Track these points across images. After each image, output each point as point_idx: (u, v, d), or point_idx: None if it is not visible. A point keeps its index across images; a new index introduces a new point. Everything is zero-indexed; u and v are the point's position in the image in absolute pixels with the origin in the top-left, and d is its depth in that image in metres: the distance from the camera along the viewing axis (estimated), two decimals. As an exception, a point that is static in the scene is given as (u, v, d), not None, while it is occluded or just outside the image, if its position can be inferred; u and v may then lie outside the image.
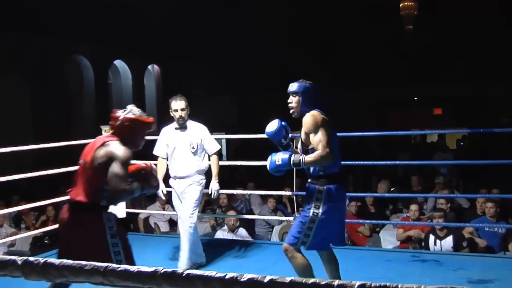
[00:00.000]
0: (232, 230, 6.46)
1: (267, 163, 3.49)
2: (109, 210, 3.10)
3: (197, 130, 4.77)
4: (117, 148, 3.01)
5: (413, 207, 6.31)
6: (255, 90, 17.49)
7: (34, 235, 6.71)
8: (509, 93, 16.85)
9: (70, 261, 1.36)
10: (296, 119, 3.57)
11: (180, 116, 4.67)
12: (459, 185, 9.42)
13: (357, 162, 6.20)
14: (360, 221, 6.62)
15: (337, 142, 3.52)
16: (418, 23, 14.62)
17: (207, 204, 8.53)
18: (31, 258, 1.37)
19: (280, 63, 16.89)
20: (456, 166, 10.03)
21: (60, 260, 1.36)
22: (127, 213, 6.26)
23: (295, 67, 17.04)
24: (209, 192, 4.90)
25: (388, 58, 17.45)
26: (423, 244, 5.96)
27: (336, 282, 1.19)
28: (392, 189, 8.03)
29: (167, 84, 17.62)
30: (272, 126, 3.55)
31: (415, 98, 20.17)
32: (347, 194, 7.55)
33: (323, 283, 1.20)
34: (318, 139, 3.32)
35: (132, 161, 3.21)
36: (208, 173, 4.89)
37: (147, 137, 3.29)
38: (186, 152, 4.69)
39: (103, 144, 3.03)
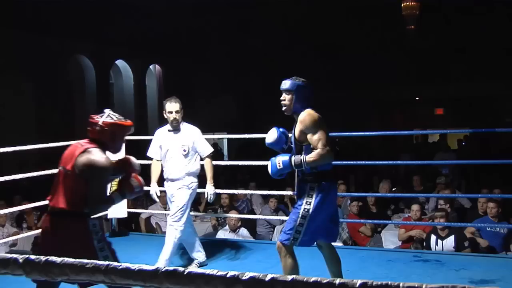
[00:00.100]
0: (234, 230, 6.46)
1: (268, 168, 3.50)
2: (97, 215, 3.10)
3: (190, 133, 4.75)
4: (99, 156, 3.00)
5: (415, 207, 6.31)
6: (258, 90, 17.49)
7: (36, 235, 6.72)
8: (512, 93, 16.85)
9: (71, 260, 1.36)
10: (288, 116, 3.58)
11: (174, 118, 4.66)
12: (461, 185, 9.42)
13: (358, 162, 6.22)
14: (362, 221, 6.62)
15: (329, 138, 3.53)
16: (420, 23, 14.60)
17: (208, 204, 8.53)
18: (33, 257, 1.37)
19: (282, 63, 16.92)
20: (458, 166, 10.03)
21: (61, 259, 1.36)
22: (129, 213, 6.27)
23: (297, 67, 17.04)
24: (205, 196, 4.88)
25: (390, 58, 17.41)
26: (424, 244, 5.95)
27: (337, 281, 1.19)
28: (393, 189, 8.03)
29: (169, 84, 17.63)
30: (272, 135, 3.55)
31: (417, 98, 20.14)
32: (349, 194, 7.65)
33: (324, 281, 1.20)
34: (317, 138, 3.33)
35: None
36: (203, 177, 4.87)
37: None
38: (178, 154, 4.67)
39: (84, 151, 3.00)
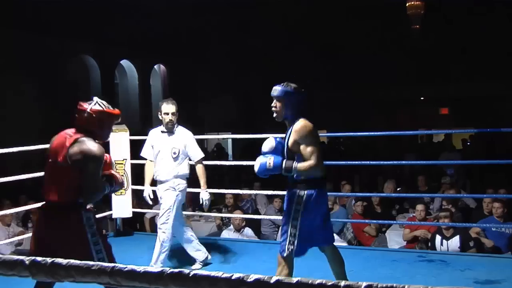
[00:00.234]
0: (238, 230, 6.46)
1: (255, 165, 3.46)
2: (87, 208, 3.08)
3: (182, 136, 4.73)
4: (92, 146, 2.98)
5: (419, 207, 6.29)
6: (258, 90, 17.48)
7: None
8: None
9: (77, 261, 1.36)
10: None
11: (170, 120, 4.64)
12: (466, 185, 9.39)
13: (363, 162, 6.22)
14: (366, 221, 6.61)
15: (320, 147, 3.51)
16: (424, 22, 14.58)
17: (212, 204, 8.54)
18: (39, 258, 1.38)
19: (282, 63, 16.96)
20: (463, 166, 10.00)
21: (67, 260, 1.36)
22: (133, 213, 6.28)
23: (297, 67, 17.08)
24: (200, 202, 4.86)
25: (395, 58, 17.39)
26: (429, 244, 5.94)
27: (342, 283, 1.19)
28: (398, 189, 8.01)
29: (173, 84, 17.67)
30: (269, 144, 3.52)
31: (422, 98, 20.11)
32: (354, 194, 7.64)
33: (329, 283, 1.20)
34: (311, 151, 3.33)
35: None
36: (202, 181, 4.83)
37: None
38: (168, 156, 4.65)
39: (75, 142, 2.98)
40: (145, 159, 4.89)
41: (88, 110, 3.04)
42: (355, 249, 5.84)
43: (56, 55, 13.55)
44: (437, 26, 16.61)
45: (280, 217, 6.86)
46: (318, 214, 3.45)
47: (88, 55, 15.20)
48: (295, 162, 3.37)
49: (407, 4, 14.00)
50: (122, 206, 6.10)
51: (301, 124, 3.39)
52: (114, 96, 16.24)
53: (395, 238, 6.56)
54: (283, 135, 3.56)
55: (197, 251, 4.88)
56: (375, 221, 6.54)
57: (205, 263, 4.89)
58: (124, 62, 16.67)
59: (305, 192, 3.38)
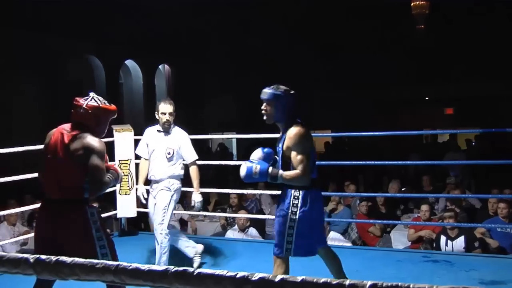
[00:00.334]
0: (243, 229, 6.46)
1: (242, 170, 3.44)
2: (91, 204, 3.09)
3: (178, 137, 4.71)
4: (93, 140, 2.99)
5: (424, 207, 6.28)
6: (258, 90, 17.43)
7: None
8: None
9: (81, 260, 1.36)
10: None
11: (167, 120, 4.63)
12: (471, 185, 9.36)
13: (368, 162, 6.20)
14: (371, 221, 6.61)
15: (314, 150, 3.51)
16: (429, 22, 14.54)
17: (217, 203, 8.55)
18: (43, 256, 1.38)
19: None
20: (468, 166, 9.97)
21: (71, 259, 1.36)
22: (138, 212, 6.29)
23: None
24: (192, 205, 4.82)
25: (399, 57, 17.36)
26: (434, 244, 5.93)
27: (347, 282, 1.19)
28: (403, 189, 8.00)
29: (178, 84, 17.68)
30: (257, 155, 3.51)
31: (426, 98, 20.07)
32: (358, 194, 7.63)
33: (334, 282, 1.19)
34: (300, 159, 3.32)
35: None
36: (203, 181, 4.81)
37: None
38: (162, 156, 4.64)
39: (74, 137, 2.98)
40: (140, 157, 4.88)
41: (84, 105, 3.05)
42: (359, 249, 5.83)
43: (62, 55, 13.58)
44: (446, 25, 16.59)
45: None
46: (314, 213, 3.46)
47: (92, 55, 15.23)
48: (280, 170, 3.39)
49: (411, 4, 13.96)
50: (126, 205, 6.10)
51: (294, 131, 3.37)
52: (118, 96, 16.26)
53: (399, 238, 6.55)
54: (269, 156, 3.56)
55: (187, 248, 4.85)
56: (379, 221, 6.53)
57: (199, 255, 4.85)
58: (129, 62, 16.69)
59: (300, 192, 3.38)
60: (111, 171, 3.15)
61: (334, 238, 6.24)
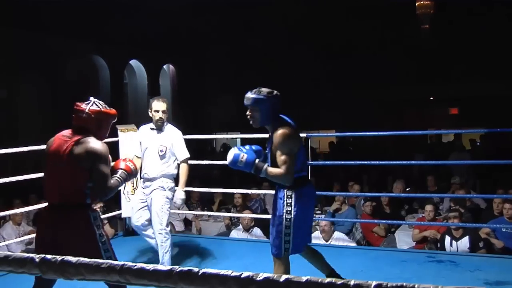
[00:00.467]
0: (247, 229, 6.46)
1: (229, 155, 3.46)
2: (94, 208, 3.09)
3: (171, 135, 4.70)
4: (97, 145, 3.00)
5: (429, 207, 6.27)
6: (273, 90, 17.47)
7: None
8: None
9: (87, 259, 1.37)
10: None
11: (160, 117, 4.62)
12: (476, 185, 9.34)
13: (372, 162, 6.19)
14: (375, 221, 6.60)
15: (302, 150, 3.52)
16: (434, 22, 14.50)
17: (221, 203, 8.55)
18: (49, 256, 1.39)
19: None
20: (472, 166, 9.94)
21: (77, 258, 1.37)
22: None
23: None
24: (173, 200, 4.78)
25: (404, 57, 17.32)
26: (439, 244, 5.91)
27: (352, 282, 1.19)
28: (407, 189, 7.99)
29: (182, 84, 17.70)
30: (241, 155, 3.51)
31: (431, 98, 20.02)
32: (363, 194, 7.62)
33: (339, 282, 1.19)
34: (283, 160, 3.34)
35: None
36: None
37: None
38: (154, 154, 4.63)
39: (77, 142, 2.98)
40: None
41: (87, 110, 3.06)
42: (364, 249, 5.82)
43: (66, 55, 13.62)
44: (450, 25, 16.55)
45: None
46: (307, 210, 3.49)
47: (97, 55, 15.26)
48: (267, 164, 3.42)
49: (416, 4, 13.93)
50: (131, 205, 6.11)
51: (279, 132, 3.39)
52: (123, 96, 16.30)
53: (404, 239, 6.53)
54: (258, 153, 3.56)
55: (152, 239, 4.75)
56: (384, 221, 6.52)
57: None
58: (133, 62, 16.72)
59: (294, 191, 3.40)
60: (122, 171, 3.16)
61: (338, 238, 6.23)
